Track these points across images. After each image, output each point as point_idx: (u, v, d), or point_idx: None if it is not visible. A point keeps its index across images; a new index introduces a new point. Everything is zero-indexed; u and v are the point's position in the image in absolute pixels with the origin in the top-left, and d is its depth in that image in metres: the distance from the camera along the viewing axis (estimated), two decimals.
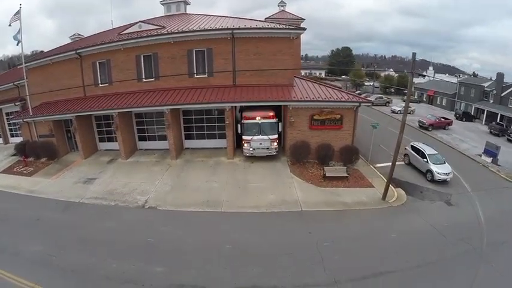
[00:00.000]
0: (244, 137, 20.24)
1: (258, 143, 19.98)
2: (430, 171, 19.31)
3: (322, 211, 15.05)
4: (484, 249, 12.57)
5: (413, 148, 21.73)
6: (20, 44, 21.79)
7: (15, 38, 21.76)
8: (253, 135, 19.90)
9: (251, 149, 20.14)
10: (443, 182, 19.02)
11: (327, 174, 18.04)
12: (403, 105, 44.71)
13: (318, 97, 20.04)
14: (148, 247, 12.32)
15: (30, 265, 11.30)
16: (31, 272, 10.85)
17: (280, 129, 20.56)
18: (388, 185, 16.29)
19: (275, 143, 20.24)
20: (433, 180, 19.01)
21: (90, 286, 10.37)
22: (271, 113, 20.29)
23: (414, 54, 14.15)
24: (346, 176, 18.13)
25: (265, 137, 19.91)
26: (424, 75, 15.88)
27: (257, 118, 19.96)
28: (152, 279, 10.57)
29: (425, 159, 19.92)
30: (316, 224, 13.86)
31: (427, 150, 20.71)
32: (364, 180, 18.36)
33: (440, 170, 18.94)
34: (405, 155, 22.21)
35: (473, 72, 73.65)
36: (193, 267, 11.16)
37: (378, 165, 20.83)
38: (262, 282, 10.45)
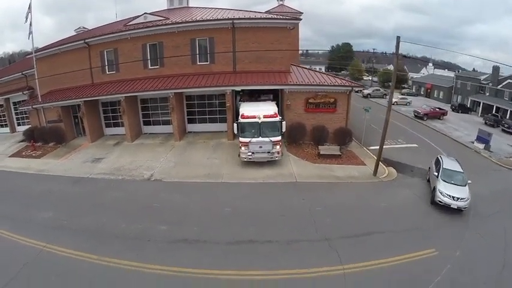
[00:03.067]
0: (241, 139, 17.40)
1: (257, 146, 17.16)
2: (435, 189, 14.52)
3: (316, 182, 16.13)
4: (470, 220, 13.38)
5: (436, 161, 16.69)
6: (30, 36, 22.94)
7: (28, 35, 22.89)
8: (252, 137, 17.18)
9: (249, 153, 17.32)
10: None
11: (321, 152, 19.09)
12: (400, 97, 45.98)
13: (313, 81, 21.12)
14: (155, 211, 13.43)
15: (41, 229, 12.09)
16: (42, 234, 11.65)
17: (284, 129, 18.03)
18: (379, 161, 17.27)
19: (278, 146, 17.42)
20: (433, 202, 14.32)
21: (100, 242, 11.30)
22: (274, 110, 17.96)
23: (398, 37, 14.87)
24: (340, 155, 19.18)
25: (266, 139, 17.09)
26: (409, 57, 15.94)
27: (257, 117, 17.21)
28: (158, 236, 11.62)
29: (437, 174, 15.15)
30: (310, 193, 14.92)
31: (447, 163, 15.75)
32: (356, 159, 19.39)
33: (446, 191, 13.91)
34: (429, 168, 17.82)
35: (473, 68, 74.50)
36: (195, 226, 12.24)
37: (371, 147, 21.67)
38: (258, 238, 11.50)
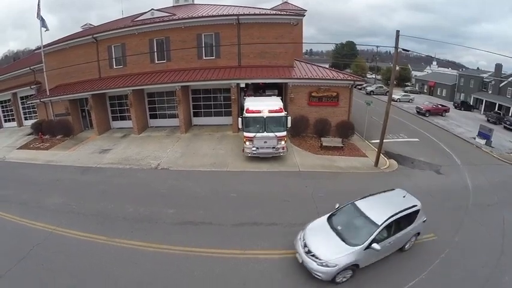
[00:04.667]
0: (245, 134, 17.18)
1: (262, 141, 16.99)
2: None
3: (318, 172, 16.56)
4: (469, 208, 13.63)
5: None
6: (45, 30, 23.51)
7: (43, 25, 23.44)
8: (257, 132, 16.99)
9: (254, 148, 17.11)
10: None
11: (323, 144, 19.51)
12: (402, 94, 46.22)
13: (316, 76, 21.56)
14: (162, 196, 13.87)
15: (51, 213, 12.46)
16: (52, 218, 12.05)
17: (289, 125, 17.68)
18: (379, 152, 17.64)
19: (282, 142, 17.23)
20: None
21: (108, 225, 11.71)
22: (279, 105, 17.68)
23: (398, 31, 15.20)
24: (342, 147, 19.58)
25: (271, 135, 16.91)
26: (408, 50, 15.86)
27: (262, 111, 16.97)
28: (165, 218, 12.06)
29: (337, 206, 10.84)
30: (312, 181, 15.34)
31: (373, 202, 10.66)
32: (358, 151, 19.83)
33: (308, 235, 9.47)
34: None
35: (477, 67, 74.64)
36: (201, 209, 12.68)
37: (373, 141, 22.02)
38: (263, 220, 11.94)
